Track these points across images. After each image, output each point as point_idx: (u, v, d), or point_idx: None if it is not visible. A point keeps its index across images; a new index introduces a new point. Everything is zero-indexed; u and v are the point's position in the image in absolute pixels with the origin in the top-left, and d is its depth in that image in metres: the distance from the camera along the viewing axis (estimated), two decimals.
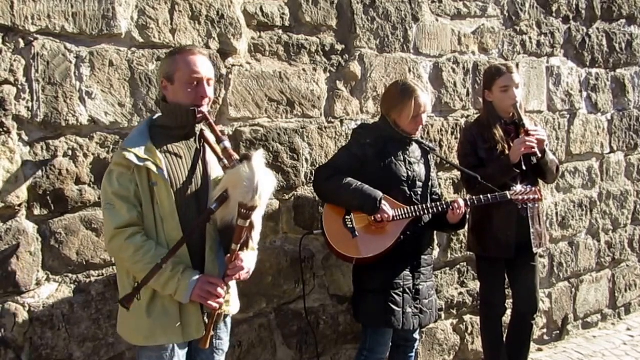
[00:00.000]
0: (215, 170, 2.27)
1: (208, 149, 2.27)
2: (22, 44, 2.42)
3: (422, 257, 2.99)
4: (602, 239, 4.81)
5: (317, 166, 3.11)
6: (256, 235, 2.29)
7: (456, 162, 3.54)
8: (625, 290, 5.04)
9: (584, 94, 4.58)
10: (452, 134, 3.80)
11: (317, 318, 3.34)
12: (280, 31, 3.12)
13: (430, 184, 3.05)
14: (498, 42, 4.02)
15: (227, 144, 2.15)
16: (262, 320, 3.17)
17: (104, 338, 2.66)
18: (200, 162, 2.24)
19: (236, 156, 2.11)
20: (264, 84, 3.08)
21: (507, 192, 3.03)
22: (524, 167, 3.16)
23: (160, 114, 2.28)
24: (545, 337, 4.49)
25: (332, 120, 3.33)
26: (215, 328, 2.25)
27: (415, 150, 3.02)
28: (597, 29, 4.61)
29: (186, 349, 2.24)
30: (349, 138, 3.12)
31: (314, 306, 3.33)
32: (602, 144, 4.74)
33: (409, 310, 2.91)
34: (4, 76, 2.37)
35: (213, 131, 2.21)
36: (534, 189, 3.09)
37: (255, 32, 3.04)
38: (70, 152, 2.54)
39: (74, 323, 2.60)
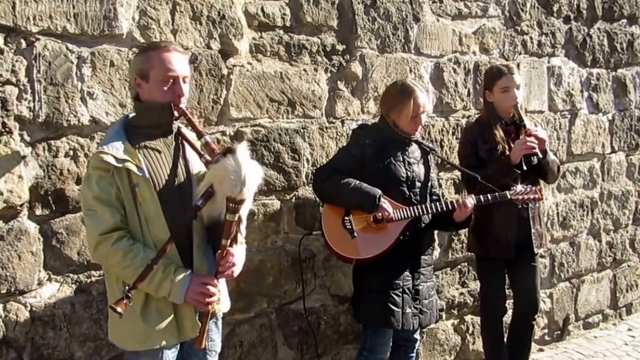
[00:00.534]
0: (196, 166, 2.21)
1: (187, 146, 2.22)
2: (24, 44, 2.42)
3: (422, 257, 2.99)
4: (603, 239, 4.81)
5: (317, 166, 3.11)
6: (243, 228, 2.24)
7: (457, 162, 3.54)
8: (627, 291, 5.04)
9: (585, 94, 4.58)
10: (453, 134, 3.81)
11: (318, 318, 3.35)
12: (281, 31, 3.13)
13: (429, 184, 3.05)
14: (499, 42, 4.02)
15: (208, 138, 2.12)
16: (263, 320, 3.18)
17: (105, 338, 2.65)
18: (180, 159, 2.19)
19: (218, 150, 2.07)
20: (265, 84, 3.08)
21: (507, 192, 3.03)
22: (525, 168, 3.16)
23: (134, 114, 2.22)
24: (546, 338, 4.49)
25: (333, 120, 3.34)
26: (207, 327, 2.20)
27: (414, 151, 3.02)
28: (598, 28, 4.61)
29: (176, 352, 2.19)
30: (349, 138, 3.13)
31: (315, 306, 3.33)
32: (603, 144, 4.74)
33: (408, 310, 2.91)
34: (5, 76, 2.38)
35: (193, 126, 2.17)
36: (534, 188, 3.08)
37: (256, 32, 3.04)
38: (71, 152, 2.54)
39: (75, 323, 2.61)
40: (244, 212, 2.13)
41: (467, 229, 3.61)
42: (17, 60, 2.41)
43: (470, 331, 4.04)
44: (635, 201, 5.01)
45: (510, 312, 3.57)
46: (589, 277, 4.75)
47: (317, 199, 3.17)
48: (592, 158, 4.69)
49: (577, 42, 4.47)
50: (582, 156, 4.60)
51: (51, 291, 2.55)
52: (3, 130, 2.38)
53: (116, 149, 2.04)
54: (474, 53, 3.91)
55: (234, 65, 2.98)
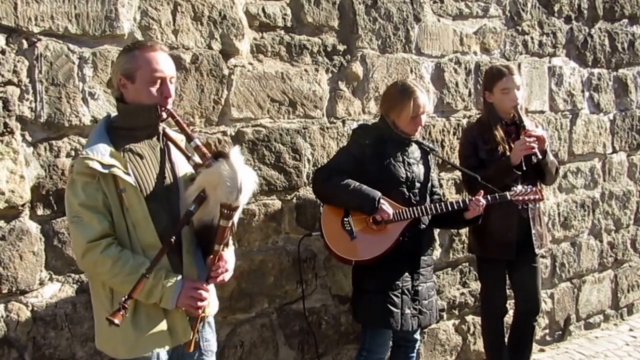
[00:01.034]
0: (182, 168, 2.17)
1: (172, 147, 2.17)
2: (25, 44, 2.43)
3: (422, 258, 2.98)
4: (605, 240, 4.81)
5: (317, 167, 3.11)
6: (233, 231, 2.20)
7: (457, 162, 3.54)
8: (628, 291, 5.03)
9: (586, 94, 4.58)
10: (454, 134, 3.81)
11: (319, 318, 3.35)
12: (282, 32, 3.13)
13: (429, 184, 3.05)
14: (500, 42, 4.02)
15: (198, 141, 2.07)
16: (264, 320, 3.18)
17: None
18: (166, 161, 2.14)
19: (209, 154, 2.03)
20: (266, 85, 3.09)
21: (507, 193, 3.02)
22: (525, 168, 3.15)
23: (117, 114, 2.15)
24: (548, 338, 4.49)
25: (334, 120, 3.34)
26: (198, 331, 2.16)
27: (414, 151, 3.01)
28: (599, 28, 4.61)
29: (167, 357, 2.14)
30: (349, 138, 3.12)
31: (316, 306, 3.33)
32: (605, 144, 4.74)
33: (407, 311, 2.90)
34: (7, 77, 2.39)
35: (182, 129, 2.10)
36: (534, 189, 3.07)
37: (257, 32, 3.05)
38: (73, 153, 2.54)
39: (76, 323, 2.61)
40: (236, 217, 2.09)
41: (467, 230, 3.62)
42: (18, 61, 2.41)
43: (471, 331, 4.04)
44: (636, 201, 5.01)
45: (511, 312, 3.57)
46: (590, 278, 4.74)
47: (318, 200, 3.18)
48: (594, 158, 4.68)
49: (578, 42, 4.47)
50: (583, 156, 4.60)
51: (52, 291, 2.55)
52: (5, 130, 2.39)
53: (101, 154, 1.98)
54: (475, 53, 3.91)
55: (235, 66, 2.99)
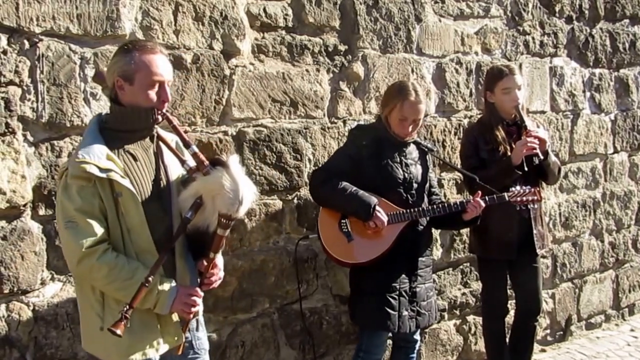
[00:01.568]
0: (174, 171, 2.15)
1: (165, 149, 2.14)
2: (27, 45, 2.43)
3: (420, 259, 2.96)
4: (606, 240, 4.80)
5: (314, 169, 3.09)
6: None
7: (458, 162, 3.54)
8: (629, 291, 5.03)
9: (587, 94, 4.58)
10: (455, 134, 3.81)
11: (320, 318, 3.35)
12: (284, 32, 3.13)
13: (427, 185, 3.02)
14: (501, 42, 4.02)
15: (196, 148, 2.05)
16: (265, 320, 3.18)
17: None
18: (160, 163, 2.11)
19: (207, 162, 2.02)
20: (267, 85, 3.09)
21: (505, 194, 3.01)
22: (526, 169, 3.15)
23: (109, 113, 2.11)
24: (549, 338, 4.49)
25: (335, 120, 3.34)
26: (189, 330, 2.18)
27: (412, 151, 2.99)
28: (601, 29, 4.61)
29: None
30: (345, 139, 3.11)
31: (317, 306, 3.34)
32: (606, 144, 4.73)
33: (405, 313, 2.88)
34: (9, 77, 2.39)
35: (180, 135, 2.08)
36: (532, 189, 3.06)
37: (258, 32, 3.05)
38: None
39: (78, 322, 2.57)
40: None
41: (468, 230, 3.62)
42: (20, 61, 2.41)
43: (472, 331, 4.04)
44: (637, 201, 5.00)
45: (512, 312, 3.57)
46: (591, 278, 4.74)
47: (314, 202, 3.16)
48: (595, 158, 4.68)
49: (580, 42, 4.47)
50: (584, 156, 4.60)
51: (54, 291, 2.55)
52: (6, 130, 2.39)
53: (98, 158, 1.94)
54: (476, 53, 3.91)
55: (236, 66, 2.99)
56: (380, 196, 2.83)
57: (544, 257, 4.33)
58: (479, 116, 3.72)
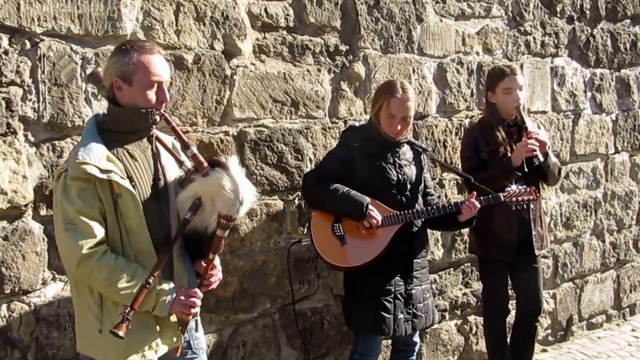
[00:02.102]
0: (172, 172, 2.15)
1: (162, 150, 2.14)
2: (28, 45, 2.43)
3: (415, 260, 2.92)
4: (607, 240, 4.80)
5: (305, 172, 3.07)
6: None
7: (458, 162, 3.54)
8: (630, 291, 5.03)
9: (589, 94, 4.58)
10: (456, 134, 3.80)
11: (321, 318, 3.35)
12: (285, 32, 3.13)
13: (422, 186, 2.99)
14: (502, 42, 4.02)
15: (195, 149, 2.05)
16: (266, 321, 3.18)
17: None
18: (158, 164, 2.11)
19: (206, 163, 2.02)
20: (269, 85, 3.09)
21: (501, 194, 2.96)
22: (526, 170, 3.13)
23: (106, 114, 2.09)
24: (550, 338, 4.49)
25: (336, 120, 3.34)
26: (188, 330, 2.17)
27: (406, 152, 2.95)
28: (602, 29, 4.60)
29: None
30: (338, 140, 3.07)
31: (318, 306, 3.33)
32: (607, 145, 4.73)
33: (400, 316, 2.84)
34: (10, 77, 2.39)
35: (179, 136, 2.08)
36: (528, 189, 3.01)
37: (259, 33, 3.05)
38: None
39: None
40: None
41: (468, 230, 3.61)
42: (21, 61, 2.41)
43: (473, 331, 4.04)
44: (638, 201, 5.00)
45: (513, 312, 3.57)
46: (592, 278, 4.74)
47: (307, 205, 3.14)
48: (596, 158, 4.68)
49: (581, 43, 4.46)
50: (585, 156, 4.60)
51: (55, 291, 2.55)
52: (8, 130, 2.39)
53: (98, 159, 1.93)
54: (477, 53, 3.91)
55: (237, 66, 2.99)
56: (374, 198, 2.79)
57: (545, 257, 4.33)
58: (480, 116, 3.71)
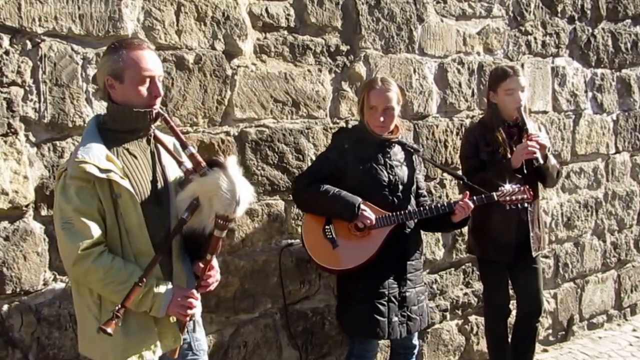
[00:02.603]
0: (172, 172, 2.14)
1: (162, 150, 2.14)
2: (29, 45, 2.43)
3: (409, 262, 2.89)
4: (608, 240, 4.80)
5: (296, 175, 3.06)
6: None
7: (459, 163, 3.53)
8: (631, 291, 5.03)
9: (589, 94, 4.57)
10: (457, 134, 3.80)
11: (322, 318, 3.35)
12: (286, 32, 3.13)
13: (414, 187, 2.96)
14: (503, 42, 4.02)
15: (193, 149, 2.05)
16: (267, 321, 3.18)
17: None
18: (158, 164, 2.11)
19: (204, 162, 2.01)
20: (269, 85, 3.08)
21: (494, 194, 2.94)
22: (525, 172, 3.12)
23: (106, 114, 2.10)
24: (551, 338, 4.49)
25: (337, 120, 3.34)
26: (187, 332, 2.17)
27: (397, 153, 2.92)
28: (603, 29, 4.60)
29: None
30: (329, 142, 3.05)
31: (319, 306, 3.33)
32: (608, 145, 4.73)
33: (395, 319, 2.81)
34: (11, 77, 2.39)
35: (177, 136, 2.08)
36: (522, 188, 2.98)
37: (260, 33, 3.05)
38: None
39: None
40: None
41: (467, 230, 3.60)
42: (22, 61, 2.41)
43: (474, 331, 4.04)
44: (639, 201, 5.00)
45: (514, 312, 3.57)
46: (593, 278, 4.74)
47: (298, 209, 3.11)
48: (597, 158, 4.68)
49: (582, 43, 4.46)
50: (586, 156, 4.59)
51: (56, 291, 2.55)
52: (9, 131, 2.39)
53: (98, 158, 1.93)
54: (478, 53, 3.91)
55: (238, 66, 2.99)
56: (365, 199, 2.77)
57: (546, 257, 4.33)
58: (481, 116, 3.71)
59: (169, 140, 2.19)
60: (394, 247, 2.82)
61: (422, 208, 2.88)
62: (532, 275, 3.38)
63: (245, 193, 1.98)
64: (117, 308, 1.92)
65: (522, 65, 4.06)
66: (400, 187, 2.88)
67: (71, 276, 2.08)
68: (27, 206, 2.46)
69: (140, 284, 1.94)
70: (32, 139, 2.46)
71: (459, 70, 3.81)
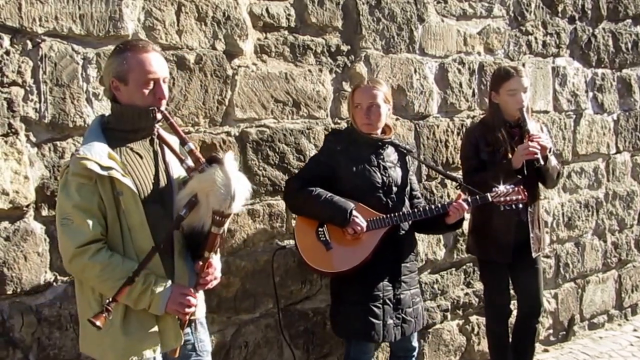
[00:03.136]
0: (176, 171, 2.15)
1: (166, 149, 2.15)
2: (29, 45, 2.43)
3: (403, 264, 2.87)
4: (609, 240, 4.80)
5: (288, 178, 3.04)
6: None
7: (458, 163, 3.53)
8: (632, 291, 5.03)
9: (590, 94, 4.57)
10: (458, 134, 3.80)
11: (323, 318, 3.34)
12: (286, 32, 3.13)
13: (408, 188, 2.95)
14: (504, 42, 4.02)
15: (192, 145, 2.04)
16: (268, 321, 3.18)
17: None
18: (161, 163, 2.12)
19: (203, 159, 2.01)
20: (270, 85, 3.08)
21: (488, 194, 2.91)
22: (526, 172, 3.11)
23: (110, 114, 2.12)
24: (552, 338, 4.48)
25: (338, 121, 3.33)
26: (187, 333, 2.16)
27: (390, 154, 2.91)
28: (603, 29, 4.60)
29: None
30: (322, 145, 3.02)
31: (321, 307, 3.33)
32: (608, 144, 4.73)
33: (390, 321, 2.80)
34: (12, 78, 2.39)
35: (176, 132, 2.07)
36: (516, 188, 2.95)
37: (261, 33, 3.05)
38: None
39: None
40: (226, 224, 2.07)
41: (467, 231, 3.59)
42: (23, 62, 2.41)
43: (475, 332, 4.04)
44: None
45: (515, 312, 3.56)
46: (594, 278, 4.73)
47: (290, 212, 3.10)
48: (597, 158, 4.68)
49: (582, 42, 4.46)
50: (587, 156, 4.59)
51: (57, 292, 2.55)
52: (9, 131, 2.39)
53: (99, 155, 1.94)
54: (479, 53, 3.91)
55: (238, 66, 2.99)
56: (359, 201, 2.76)
57: (547, 257, 4.33)
58: (481, 116, 3.71)
59: (174, 140, 2.19)
60: (388, 249, 2.80)
61: (416, 210, 2.86)
62: (533, 275, 3.38)
63: (241, 188, 1.96)
64: (107, 301, 1.91)
65: (523, 65, 4.05)
66: (394, 188, 2.87)
67: (69, 272, 2.08)
68: (27, 206, 2.45)
69: (134, 279, 1.93)
70: (33, 139, 2.46)
71: (459, 70, 3.81)
